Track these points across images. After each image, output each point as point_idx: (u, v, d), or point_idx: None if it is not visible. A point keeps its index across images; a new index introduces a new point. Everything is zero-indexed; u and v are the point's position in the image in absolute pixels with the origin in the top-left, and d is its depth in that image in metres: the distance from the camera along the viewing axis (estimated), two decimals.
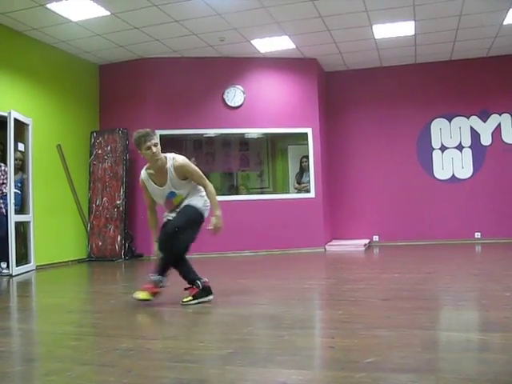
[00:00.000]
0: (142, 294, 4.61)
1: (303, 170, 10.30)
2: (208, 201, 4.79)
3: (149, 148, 4.54)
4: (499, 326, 3.46)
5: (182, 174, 4.67)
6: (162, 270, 4.72)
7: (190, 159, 4.85)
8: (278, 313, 4.29)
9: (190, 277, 4.76)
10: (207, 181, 4.77)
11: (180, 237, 4.58)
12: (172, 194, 4.72)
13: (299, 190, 10.33)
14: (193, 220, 4.70)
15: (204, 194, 4.80)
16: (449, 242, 10.04)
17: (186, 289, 4.74)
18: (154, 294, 4.66)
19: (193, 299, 4.64)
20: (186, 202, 4.75)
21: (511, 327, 3.40)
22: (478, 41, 9.29)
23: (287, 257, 9.10)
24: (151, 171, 4.73)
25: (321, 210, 10.06)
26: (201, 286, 4.69)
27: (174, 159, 4.67)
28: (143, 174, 4.80)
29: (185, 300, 4.65)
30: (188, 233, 4.66)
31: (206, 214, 4.81)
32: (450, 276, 6.14)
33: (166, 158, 4.69)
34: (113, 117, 9.87)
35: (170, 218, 4.77)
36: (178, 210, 4.76)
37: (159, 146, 4.62)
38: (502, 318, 3.66)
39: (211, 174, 10.95)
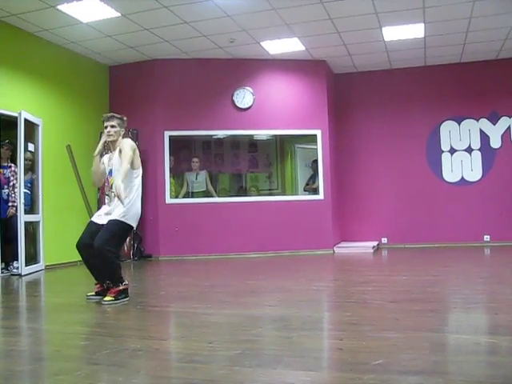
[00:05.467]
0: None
1: (314, 173, 10.32)
2: (137, 210, 5.16)
3: (106, 127, 5.20)
4: (508, 329, 3.45)
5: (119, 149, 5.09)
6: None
7: None
8: (287, 314, 4.30)
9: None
10: (126, 162, 4.95)
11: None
12: (110, 173, 5.16)
13: (309, 191, 10.37)
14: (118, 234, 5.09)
15: (138, 203, 5.16)
16: (458, 245, 10.00)
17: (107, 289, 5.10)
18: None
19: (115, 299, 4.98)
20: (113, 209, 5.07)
21: None
22: (487, 43, 9.25)
23: (296, 258, 9.09)
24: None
25: (329, 211, 10.05)
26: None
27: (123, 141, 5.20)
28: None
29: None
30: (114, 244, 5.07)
31: (133, 223, 5.14)
32: (458, 279, 6.12)
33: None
34: None
35: (100, 221, 5.12)
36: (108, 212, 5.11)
37: (117, 129, 5.20)
38: (511, 321, 3.64)
39: (220, 175, 10.99)
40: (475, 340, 3.25)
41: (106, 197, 5.33)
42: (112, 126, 5.18)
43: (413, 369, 2.63)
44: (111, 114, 5.34)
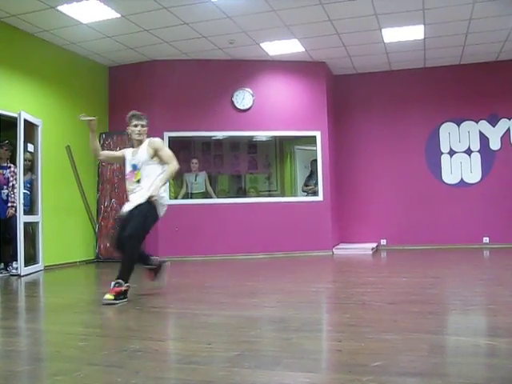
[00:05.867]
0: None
1: (312, 173, 10.31)
2: (164, 199, 5.32)
3: (136, 126, 5.33)
4: (507, 331, 3.45)
5: (153, 149, 5.23)
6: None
7: None
8: (286, 315, 4.29)
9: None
10: (175, 161, 5.27)
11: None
12: (135, 167, 5.25)
13: (308, 192, 10.37)
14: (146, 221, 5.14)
15: (165, 194, 5.40)
16: (457, 247, 10.01)
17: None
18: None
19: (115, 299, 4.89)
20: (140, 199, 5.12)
21: None
22: (487, 45, 9.27)
23: (295, 260, 9.09)
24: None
25: (329, 213, 10.05)
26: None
27: (151, 138, 5.35)
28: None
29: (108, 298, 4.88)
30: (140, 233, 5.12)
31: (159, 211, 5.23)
32: (457, 280, 6.12)
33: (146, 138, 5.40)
34: (122, 118, 9.68)
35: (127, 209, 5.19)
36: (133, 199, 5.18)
37: (146, 128, 5.39)
38: (510, 323, 3.64)
39: (219, 176, 11.00)
40: (474, 342, 3.24)
41: (130, 188, 5.32)
42: (142, 126, 5.35)
43: (412, 370, 2.63)
44: (140, 112, 5.45)
